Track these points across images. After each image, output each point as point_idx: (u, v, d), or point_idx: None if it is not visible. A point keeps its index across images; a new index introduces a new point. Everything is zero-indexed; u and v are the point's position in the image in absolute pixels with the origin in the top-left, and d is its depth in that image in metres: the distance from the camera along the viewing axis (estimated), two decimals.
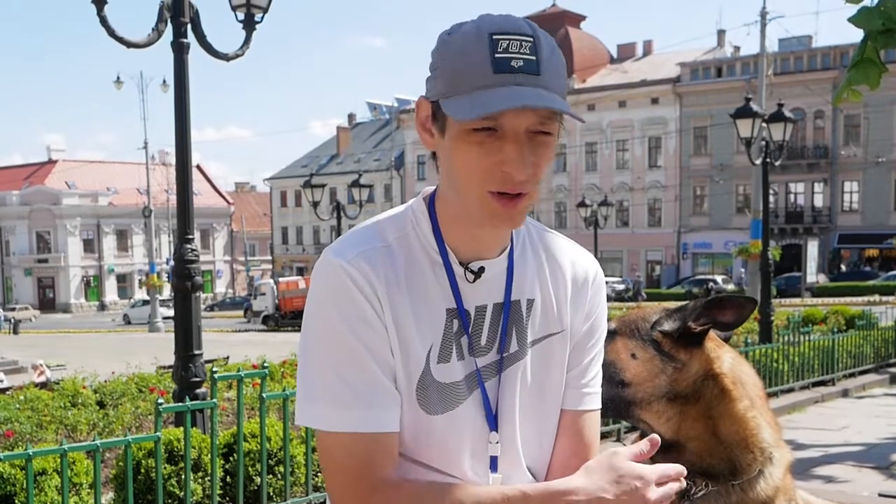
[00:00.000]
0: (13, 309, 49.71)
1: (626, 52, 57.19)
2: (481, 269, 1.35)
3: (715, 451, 1.79)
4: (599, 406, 1.49)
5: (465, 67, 1.21)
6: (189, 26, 6.07)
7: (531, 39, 1.22)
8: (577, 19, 57.76)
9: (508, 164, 1.21)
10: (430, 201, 1.38)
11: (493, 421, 1.36)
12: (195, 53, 6.15)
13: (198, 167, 68.15)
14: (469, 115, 1.18)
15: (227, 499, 4.42)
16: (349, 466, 1.29)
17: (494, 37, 1.21)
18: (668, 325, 1.83)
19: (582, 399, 1.46)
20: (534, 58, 1.21)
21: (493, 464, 1.36)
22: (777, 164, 12.75)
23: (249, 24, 6.51)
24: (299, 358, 1.33)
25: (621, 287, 41.93)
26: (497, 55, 1.20)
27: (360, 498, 1.28)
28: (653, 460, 1.85)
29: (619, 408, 1.80)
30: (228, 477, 4.44)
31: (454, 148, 1.25)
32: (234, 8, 6.50)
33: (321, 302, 1.30)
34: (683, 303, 1.90)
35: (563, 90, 1.24)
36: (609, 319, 1.64)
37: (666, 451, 1.81)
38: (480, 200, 1.25)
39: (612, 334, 1.80)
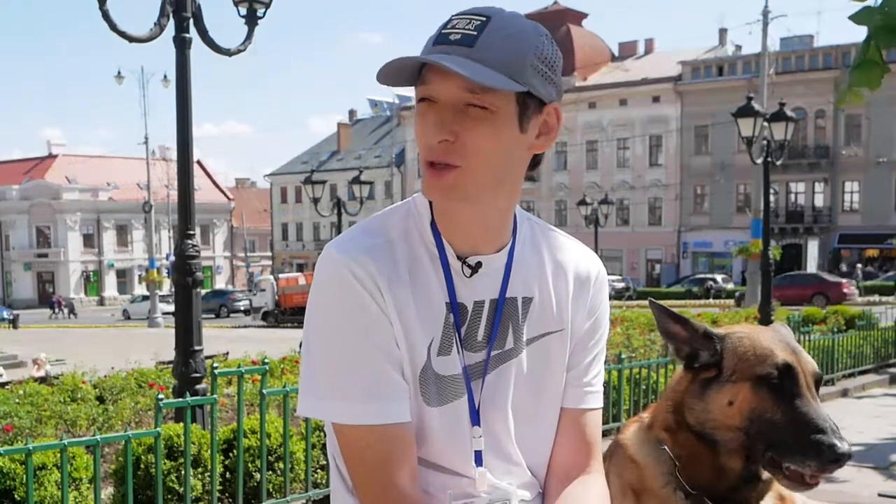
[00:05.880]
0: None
1: (627, 51, 57.16)
2: (478, 265, 1.35)
3: None
4: (601, 405, 1.49)
5: (424, 47, 1.27)
6: (191, 21, 6.06)
7: (483, 19, 1.23)
8: (578, 17, 57.70)
9: (426, 127, 1.24)
10: None
11: (475, 415, 1.36)
12: (196, 49, 6.15)
13: (198, 163, 68.02)
14: (378, 77, 1.24)
15: (227, 495, 4.42)
16: (362, 459, 1.31)
17: (452, 17, 1.26)
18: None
19: (584, 397, 1.46)
20: (475, 33, 1.22)
21: (478, 458, 1.36)
22: (778, 163, 12.76)
23: (252, 20, 6.50)
24: (303, 350, 1.34)
25: (622, 285, 41.90)
26: (443, 31, 1.25)
27: (376, 496, 1.30)
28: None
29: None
30: (228, 473, 4.44)
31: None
32: (236, 3, 6.49)
33: (324, 296, 1.31)
34: None
35: (502, 66, 1.21)
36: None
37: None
38: (423, 172, 1.28)
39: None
